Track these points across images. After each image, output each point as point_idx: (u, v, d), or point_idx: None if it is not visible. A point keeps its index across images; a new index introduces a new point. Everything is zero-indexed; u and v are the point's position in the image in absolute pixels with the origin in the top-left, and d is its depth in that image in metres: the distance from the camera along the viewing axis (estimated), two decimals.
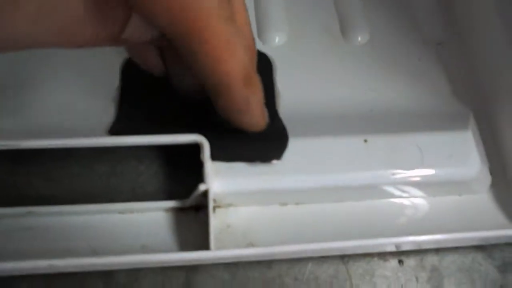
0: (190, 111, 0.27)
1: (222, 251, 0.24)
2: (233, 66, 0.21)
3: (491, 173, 0.29)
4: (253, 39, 0.24)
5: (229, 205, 0.27)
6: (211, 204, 0.24)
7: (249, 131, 0.25)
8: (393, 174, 0.26)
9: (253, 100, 0.23)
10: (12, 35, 0.18)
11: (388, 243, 0.26)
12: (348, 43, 0.33)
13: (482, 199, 0.28)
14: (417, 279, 0.27)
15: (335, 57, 0.32)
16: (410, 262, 0.27)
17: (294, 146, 0.27)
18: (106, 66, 0.30)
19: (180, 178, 0.27)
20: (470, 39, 0.33)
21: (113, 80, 0.29)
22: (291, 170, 0.26)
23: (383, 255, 0.27)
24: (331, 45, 0.33)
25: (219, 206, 0.27)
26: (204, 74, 0.22)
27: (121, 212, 0.26)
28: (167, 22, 0.20)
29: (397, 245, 0.26)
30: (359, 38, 0.33)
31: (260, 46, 0.32)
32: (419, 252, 0.27)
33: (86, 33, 0.20)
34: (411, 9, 0.34)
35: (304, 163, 0.26)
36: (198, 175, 0.25)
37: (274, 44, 0.32)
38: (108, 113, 0.28)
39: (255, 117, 0.25)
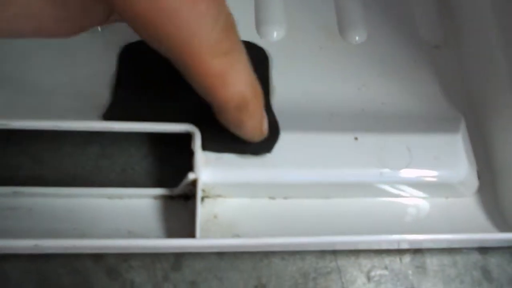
0: (185, 100, 0.27)
1: (207, 239, 0.24)
2: (226, 94, 0.21)
3: (479, 177, 0.29)
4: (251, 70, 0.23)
5: (218, 196, 0.27)
6: (199, 194, 0.25)
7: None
8: (381, 173, 0.27)
9: (248, 124, 0.23)
10: None
11: (372, 240, 0.26)
12: (345, 41, 0.33)
13: (468, 202, 0.29)
14: (400, 260, 0.27)
15: (332, 55, 0.32)
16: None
17: (285, 140, 0.27)
18: (104, 53, 0.30)
19: (171, 165, 0.27)
20: (466, 44, 0.33)
21: (111, 67, 0.29)
22: (281, 163, 0.26)
23: (367, 252, 0.27)
24: (329, 42, 0.33)
25: (207, 196, 0.27)
26: (198, 91, 0.22)
27: (109, 197, 0.27)
28: (161, 48, 0.20)
29: (379, 243, 0.26)
30: (357, 37, 0.33)
31: (257, 40, 0.32)
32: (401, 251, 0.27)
33: (66, 28, 0.20)
34: (410, 11, 0.35)
35: (294, 158, 0.26)
36: (189, 163, 0.25)
37: (272, 38, 0.33)
38: (103, 98, 0.28)
39: (248, 134, 0.24)
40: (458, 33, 0.34)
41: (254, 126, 0.24)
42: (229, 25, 0.21)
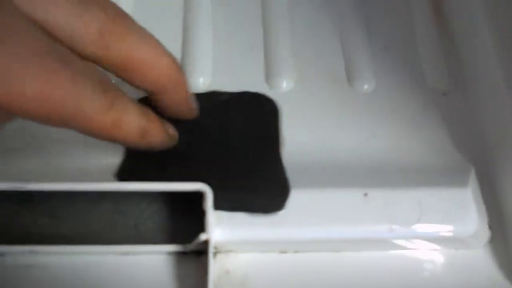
0: (197, 159, 0.28)
1: None
2: (125, 134, 0.23)
3: (490, 228, 0.29)
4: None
5: (229, 251, 0.28)
6: (211, 254, 0.25)
7: None
8: (391, 228, 0.27)
9: (155, 140, 0.25)
10: None
11: None
12: (354, 90, 0.33)
13: (478, 254, 0.29)
14: None
15: (341, 104, 0.33)
16: None
17: (296, 197, 0.27)
18: None
19: (184, 220, 0.28)
20: (475, 90, 0.33)
21: None
22: (291, 221, 0.27)
23: None
24: (338, 92, 0.33)
25: (219, 252, 0.28)
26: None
27: (123, 253, 0.27)
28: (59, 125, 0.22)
29: None
30: (366, 86, 0.34)
31: (267, 91, 0.33)
32: None
33: None
34: (418, 58, 0.35)
35: (304, 215, 0.27)
36: (201, 220, 0.26)
37: (282, 89, 0.33)
38: (115, 156, 0.29)
39: (158, 144, 0.26)
40: (466, 80, 0.34)
41: (162, 137, 0.26)
42: (105, 83, 0.22)
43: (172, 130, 0.27)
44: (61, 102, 0.20)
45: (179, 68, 0.25)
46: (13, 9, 0.20)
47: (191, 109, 0.28)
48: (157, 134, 0.25)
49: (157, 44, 0.24)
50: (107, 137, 0.23)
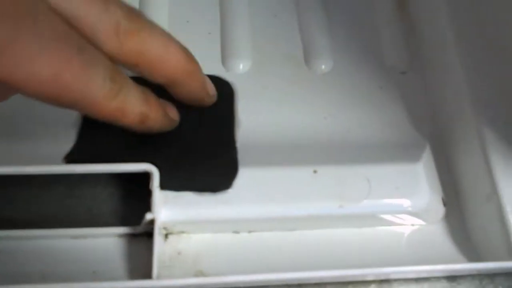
0: (145, 140, 0.28)
1: (164, 280, 0.24)
2: (128, 120, 0.25)
3: (444, 204, 0.29)
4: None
5: (182, 232, 0.28)
6: (156, 233, 0.25)
7: None
8: (340, 205, 0.27)
9: (153, 125, 0.26)
10: None
11: (334, 275, 0.26)
12: (311, 71, 0.33)
13: (435, 229, 0.29)
14: None
15: (298, 85, 0.33)
16: None
17: (245, 175, 0.27)
18: None
19: (134, 203, 0.28)
20: (431, 69, 0.33)
21: None
22: (240, 200, 0.27)
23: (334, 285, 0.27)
24: (295, 73, 0.33)
25: (171, 233, 0.27)
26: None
27: (74, 237, 0.27)
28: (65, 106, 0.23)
29: (343, 277, 0.26)
30: (323, 66, 0.33)
31: (223, 73, 0.32)
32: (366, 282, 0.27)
33: None
34: (377, 38, 0.35)
35: (253, 193, 0.27)
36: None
37: (238, 71, 0.33)
38: (67, 140, 0.29)
39: (156, 127, 0.27)
40: (424, 59, 0.34)
41: (161, 121, 0.27)
42: (114, 71, 0.23)
43: (173, 113, 0.28)
44: (72, 87, 0.21)
45: (191, 60, 0.26)
46: None
47: (209, 97, 0.29)
48: (157, 119, 0.26)
49: (167, 40, 0.25)
50: (110, 120, 0.24)
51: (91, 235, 0.27)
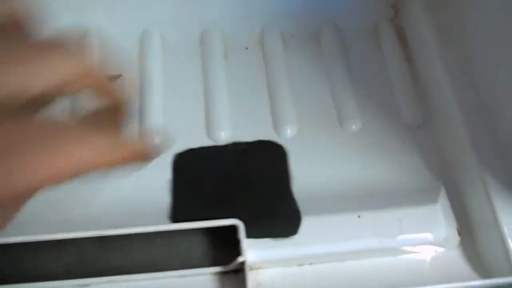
0: (228, 198, 0.36)
1: None
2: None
3: (459, 234, 0.37)
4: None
5: (259, 268, 0.36)
6: (247, 274, 0.34)
7: None
8: (380, 240, 0.35)
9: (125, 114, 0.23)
10: None
11: None
12: (345, 131, 0.42)
13: (452, 254, 0.37)
14: None
15: (336, 143, 0.41)
16: None
17: (306, 222, 0.36)
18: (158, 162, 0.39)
19: (222, 247, 0.36)
20: (441, 125, 0.42)
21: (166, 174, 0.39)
22: (304, 241, 0.35)
23: None
24: (332, 134, 0.42)
25: (251, 268, 0.36)
26: None
27: (177, 276, 0.36)
28: None
29: None
30: (353, 127, 0.42)
31: (276, 138, 0.41)
32: None
33: None
34: (394, 98, 0.44)
35: (313, 235, 0.35)
36: (236, 246, 0.34)
37: (287, 135, 0.42)
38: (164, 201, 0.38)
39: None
40: (435, 114, 0.43)
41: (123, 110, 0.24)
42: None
43: (116, 93, 0.23)
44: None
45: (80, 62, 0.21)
46: None
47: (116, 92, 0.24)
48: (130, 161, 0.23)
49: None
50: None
51: (191, 275, 0.36)
